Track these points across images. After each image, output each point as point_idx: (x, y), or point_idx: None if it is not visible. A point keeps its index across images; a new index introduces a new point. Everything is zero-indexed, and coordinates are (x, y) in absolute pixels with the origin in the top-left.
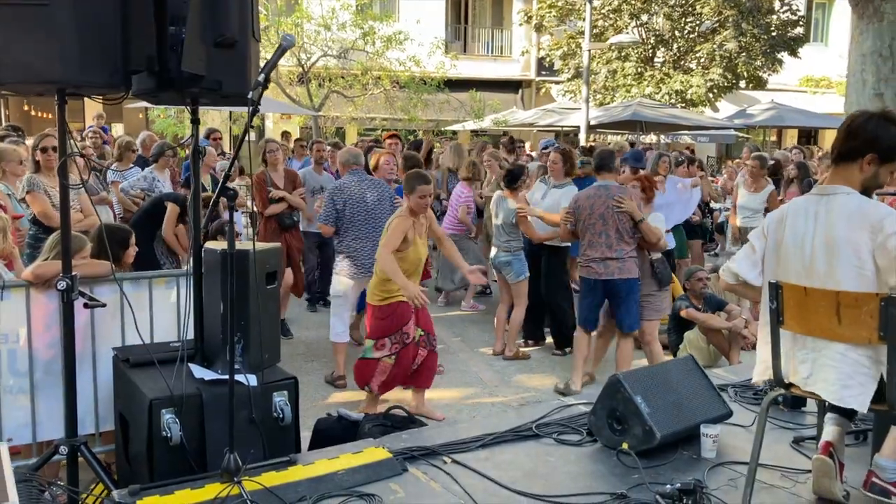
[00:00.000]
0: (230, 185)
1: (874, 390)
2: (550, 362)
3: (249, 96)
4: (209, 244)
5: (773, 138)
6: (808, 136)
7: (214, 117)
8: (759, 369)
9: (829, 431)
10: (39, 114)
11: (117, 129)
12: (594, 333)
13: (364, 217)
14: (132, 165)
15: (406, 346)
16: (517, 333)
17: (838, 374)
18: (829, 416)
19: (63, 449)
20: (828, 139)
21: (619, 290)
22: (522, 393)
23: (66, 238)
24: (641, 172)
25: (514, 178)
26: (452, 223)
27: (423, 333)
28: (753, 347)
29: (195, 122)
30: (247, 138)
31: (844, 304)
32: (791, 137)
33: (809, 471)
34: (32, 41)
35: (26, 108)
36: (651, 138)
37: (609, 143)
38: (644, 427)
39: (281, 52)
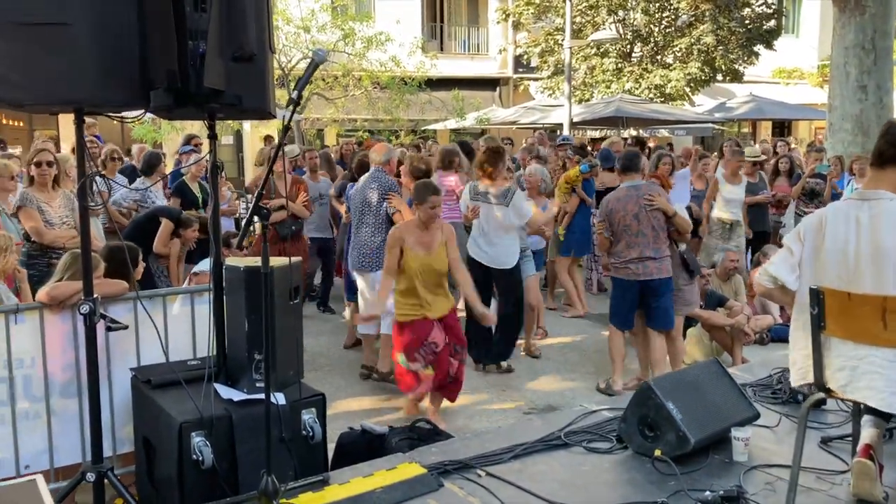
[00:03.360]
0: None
1: None
2: (554, 364)
3: (283, 116)
4: (230, 260)
5: (747, 129)
6: (782, 128)
7: (194, 122)
8: (795, 374)
9: (868, 434)
10: (11, 122)
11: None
12: (627, 335)
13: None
14: (118, 175)
15: (437, 354)
16: (532, 328)
17: (886, 380)
18: (866, 418)
19: (90, 476)
20: (801, 130)
21: (657, 289)
22: (531, 397)
23: (86, 260)
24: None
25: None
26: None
27: (449, 344)
28: (755, 343)
29: (213, 137)
30: (280, 153)
31: (891, 309)
32: (765, 129)
33: (843, 472)
34: (53, 61)
35: None
36: (630, 133)
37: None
38: (677, 433)
39: (314, 67)
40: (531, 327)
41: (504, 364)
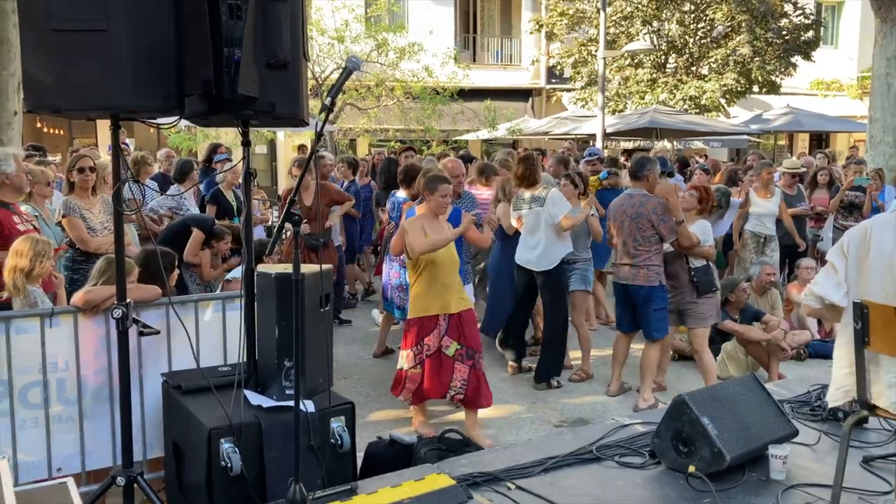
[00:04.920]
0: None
1: None
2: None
3: (316, 123)
4: (261, 267)
5: (783, 142)
6: (819, 140)
7: (227, 130)
8: (834, 393)
9: None
10: (52, 130)
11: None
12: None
13: None
14: (148, 181)
15: (428, 357)
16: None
17: None
18: None
19: (120, 480)
20: (839, 143)
21: (636, 296)
22: (562, 409)
23: (120, 265)
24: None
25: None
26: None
27: (459, 347)
28: (791, 359)
29: (246, 144)
30: (311, 163)
31: None
32: (802, 141)
33: (887, 493)
34: (89, 67)
35: (38, 125)
36: (664, 144)
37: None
38: (713, 449)
39: (347, 74)
40: (587, 348)
41: (554, 381)
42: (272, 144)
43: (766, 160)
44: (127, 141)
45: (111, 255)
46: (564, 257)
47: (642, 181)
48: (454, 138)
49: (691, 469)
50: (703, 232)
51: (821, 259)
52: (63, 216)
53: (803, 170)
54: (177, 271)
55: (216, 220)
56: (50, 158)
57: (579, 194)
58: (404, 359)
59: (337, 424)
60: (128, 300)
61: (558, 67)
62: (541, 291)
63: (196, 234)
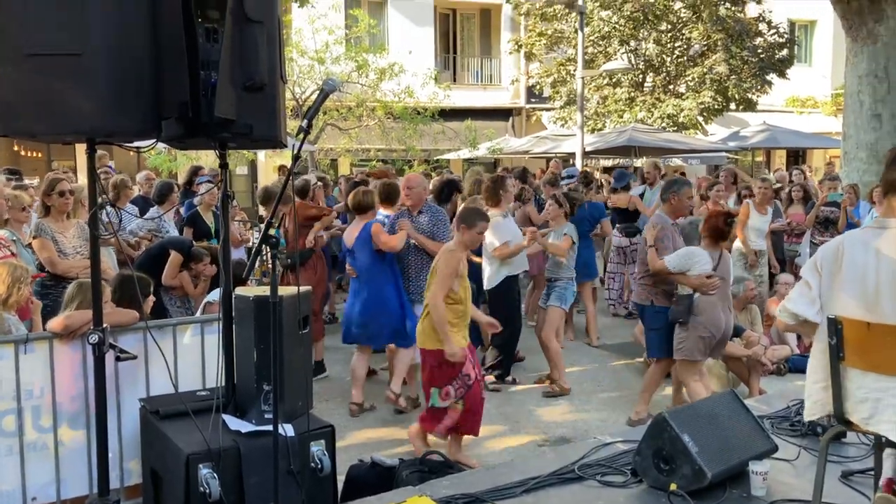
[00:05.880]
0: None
1: None
2: (569, 394)
3: (293, 146)
4: (239, 290)
5: (761, 158)
6: (797, 156)
7: (208, 152)
8: (811, 407)
9: (891, 468)
10: (29, 154)
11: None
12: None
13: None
14: (129, 204)
15: (470, 388)
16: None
17: None
18: (888, 451)
19: None
20: (815, 158)
21: (640, 312)
22: (544, 428)
23: (96, 290)
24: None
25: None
26: None
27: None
28: (772, 374)
29: (223, 166)
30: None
31: None
32: (779, 157)
33: None
34: (66, 91)
35: (16, 148)
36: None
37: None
38: (693, 467)
39: (324, 96)
40: (558, 363)
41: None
42: (253, 165)
43: (764, 175)
44: (110, 164)
45: (82, 279)
46: (547, 275)
47: (666, 203)
48: (436, 157)
49: (673, 487)
50: (688, 256)
51: (797, 275)
52: (34, 237)
53: (779, 185)
54: (152, 298)
55: (194, 242)
56: (27, 182)
57: (565, 213)
58: (440, 397)
59: (317, 448)
60: (104, 325)
61: (538, 87)
62: (490, 308)
63: (174, 257)
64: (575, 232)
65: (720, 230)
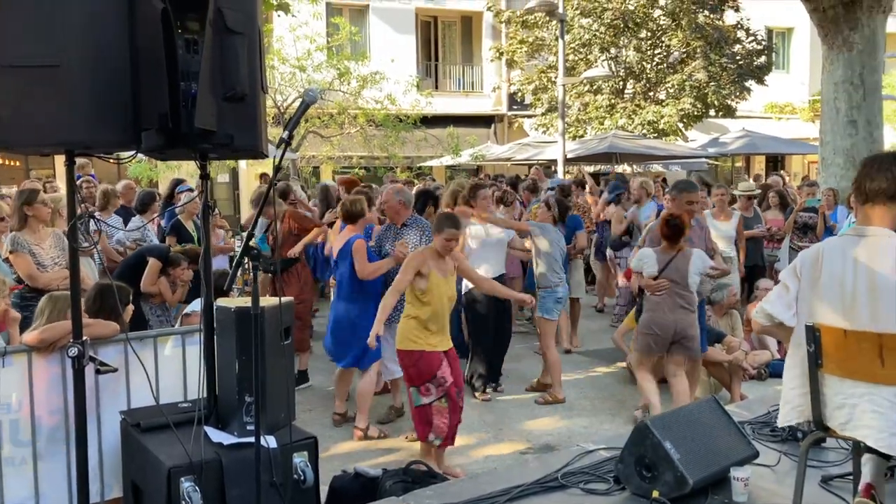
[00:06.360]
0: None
1: None
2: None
3: (274, 157)
4: (220, 301)
5: (740, 164)
6: (776, 162)
7: (188, 162)
8: (788, 413)
9: (869, 472)
10: (7, 163)
11: None
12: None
13: None
14: (113, 214)
15: (447, 389)
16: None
17: (886, 421)
18: (866, 456)
19: None
20: (794, 164)
21: None
22: (528, 436)
23: (75, 301)
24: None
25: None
26: None
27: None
28: (753, 379)
29: (204, 177)
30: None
31: (888, 346)
32: (759, 163)
33: None
34: (44, 103)
35: None
36: (625, 168)
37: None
38: (675, 473)
39: (304, 107)
40: (554, 373)
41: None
42: (234, 173)
43: (720, 183)
44: (92, 173)
45: (55, 292)
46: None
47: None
48: (418, 165)
49: (655, 494)
50: (640, 258)
51: (777, 280)
52: (10, 252)
53: (758, 191)
54: (131, 307)
55: (171, 249)
56: (5, 191)
57: (553, 218)
58: (420, 394)
59: (300, 459)
60: (84, 337)
61: (519, 94)
62: (465, 312)
63: (152, 263)
64: (556, 235)
65: (664, 233)
